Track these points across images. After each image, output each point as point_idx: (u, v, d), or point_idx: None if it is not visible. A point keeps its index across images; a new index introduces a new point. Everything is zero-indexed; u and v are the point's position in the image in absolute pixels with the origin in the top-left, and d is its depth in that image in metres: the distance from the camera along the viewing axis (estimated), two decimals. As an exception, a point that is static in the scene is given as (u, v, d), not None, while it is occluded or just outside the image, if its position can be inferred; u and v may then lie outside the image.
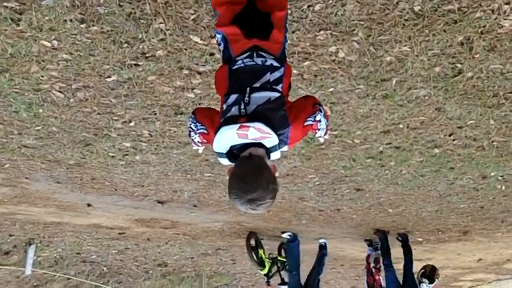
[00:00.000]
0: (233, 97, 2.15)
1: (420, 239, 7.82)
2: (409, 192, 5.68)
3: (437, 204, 6.07)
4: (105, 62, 3.35)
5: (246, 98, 2.11)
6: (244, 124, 2.04)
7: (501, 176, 5.22)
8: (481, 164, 4.91)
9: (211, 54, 3.31)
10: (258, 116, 2.06)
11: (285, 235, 7.19)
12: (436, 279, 7.09)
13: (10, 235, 7.12)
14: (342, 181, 5.35)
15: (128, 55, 3.29)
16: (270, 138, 2.07)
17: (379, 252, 7.50)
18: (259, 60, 2.23)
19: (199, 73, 3.47)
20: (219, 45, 2.42)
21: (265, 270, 7.25)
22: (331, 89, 3.66)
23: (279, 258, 7.61)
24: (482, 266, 10.39)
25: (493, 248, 8.53)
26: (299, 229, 7.23)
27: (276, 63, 2.24)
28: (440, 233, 7.40)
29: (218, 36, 2.40)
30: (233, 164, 2.13)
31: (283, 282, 7.27)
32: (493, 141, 4.46)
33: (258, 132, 2.05)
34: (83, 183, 5.32)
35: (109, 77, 3.50)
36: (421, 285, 6.96)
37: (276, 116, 2.09)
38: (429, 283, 7.01)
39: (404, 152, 4.64)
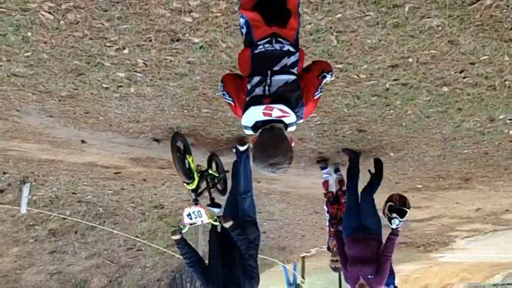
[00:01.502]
0: (256, 79, 2.53)
1: (420, 186, 7.74)
2: (413, 135, 5.52)
3: (441, 148, 5.93)
4: (96, -23, 3.11)
5: (268, 80, 2.50)
6: (270, 105, 2.45)
7: (510, 120, 5.06)
8: (490, 106, 4.73)
9: (211, -30, 3.07)
10: (280, 97, 2.46)
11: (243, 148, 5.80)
12: (408, 210, 5.79)
13: (4, 173, 6.99)
14: (344, 121, 5.18)
15: (120, -31, 3.04)
16: (289, 117, 2.48)
17: (340, 174, 6.66)
18: (277, 46, 2.57)
19: (198, -7, 3.23)
20: (242, 28, 2.70)
21: (194, 185, 5.60)
22: (339, 15, 3.43)
23: (210, 171, 6.06)
24: (480, 216, 10.39)
25: (493, 197, 8.47)
26: (297, 173, 7.12)
27: (292, 49, 2.58)
28: (441, 179, 7.30)
29: (242, 20, 2.68)
30: (256, 134, 2.54)
31: (214, 203, 5.71)
32: (505, 80, 4.26)
33: (280, 112, 2.46)
34: (76, 117, 5.14)
35: (101, -5, 3.26)
36: (392, 221, 5.64)
37: (294, 97, 2.49)
38: (401, 217, 5.70)
39: (411, 90, 4.45)
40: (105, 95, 4.58)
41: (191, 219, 5.30)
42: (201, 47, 3.80)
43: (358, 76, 4.26)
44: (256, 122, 2.52)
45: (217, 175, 6.17)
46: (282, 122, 2.50)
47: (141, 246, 9.99)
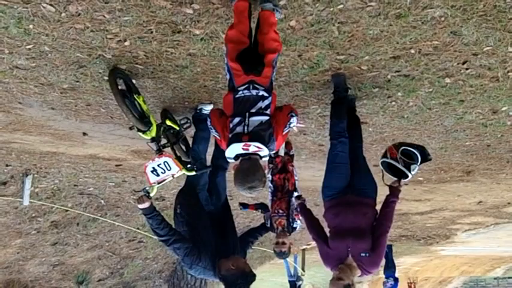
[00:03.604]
0: (237, 119, 3.17)
1: (421, 178, 7.74)
2: (415, 127, 5.51)
3: (443, 140, 5.92)
4: (97, -31, 3.09)
5: (246, 121, 3.14)
6: (248, 143, 3.09)
7: (513, 111, 5.04)
8: (493, 97, 4.72)
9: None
10: (256, 135, 3.10)
11: (208, 108, 4.88)
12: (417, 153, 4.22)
13: (7, 165, 7.00)
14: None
15: (121, -39, 3.03)
16: (263, 151, 3.15)
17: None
18: (254, 92, 3.21)
19: (199, -17, 3.22)
20: (226, 74, 3.36)
21: (153, 132, 4.26)
22: (341, 6, 3.42)
23: (168, 123, 4.79)
24: (481, 209, 10.39)
25: (495, 190, 8.47)
26: (297, 165, 7.10)
27: (265, 94, 3.23)
28: (442, 172, 7.30)
29: (226, 67, 3.34)
30: (237, 163, 3.20)
31: (182, 162, 4.40)
32: (508, 72, 4.25)
33: (256, 148, 3.12)
34: (77, 109, 5.14)
35: (102, -13, 3.25)
36: (412, 168, 4.15)
37: (266, 134, 3.14)
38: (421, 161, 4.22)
39: (413, 81, 4.43)
40: (106, 87, 4.57)
41: (158, 175, 4.13)
42: (202, 38, 3.79)
43: (360, 67, 4.24)
44: (237, 154, 3.17)
45: (176, 127, 4.97)
46: (258, 154, 3.16)
47: (143, 238, 10.02)
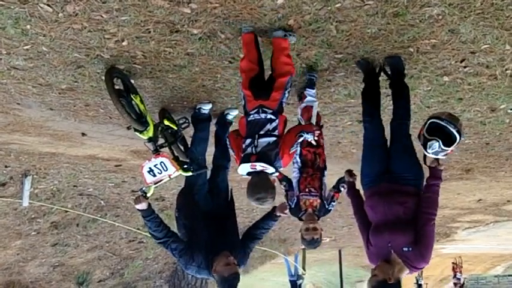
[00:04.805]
0: (248, 140, 3.55)
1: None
2: (413, 125, 5.47)
3: (442, 139, 5.91)
4: (94, -32, 3.09)
5: (256, 142, 3.51)
6: (254, 163, 3.47)
7: (511, 109, 5.04)
8: (491, 95, 4.72)
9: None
10: (263, 156, 3.47)
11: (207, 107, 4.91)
12: (458, 135, 3.54)
13: (6, 166, 7.00)
14: (344, 112, 5.18)
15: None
16: (268, 169, 3.52)
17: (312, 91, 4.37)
18: (263, 115, 3.58)
19: (196, -18, 3.22)
20: (241, 100, 3.78)
21: (150, 132, 4.25)
22: (338, 5, 3.42)
23: (166, 123, 4.80)
24: (481, 207, 10.39)
25: (494, 188, 8.47)
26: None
27: (273, 117, 3.57)
28: (442, 170, 7.28)
29: (242, 94, 3.74)
30: (249, 178, 3.56)
31: (180, 162, 4.37)
32: (506, 69, 4.25)
33: (262, 167, 3.51)
34: (76, 110, 5.14)
35: (99, -14, 3.25)
36: (429, 144, 3.55)
37: (273, 154, 3.49)
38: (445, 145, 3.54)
39: (412, 80, 4.43)
40: (104, 87, 4.55)
41: (154, 175, 4.12)
42: (199, 38, 3.79)
43: (359, 66, 4.24)
44: (248, 172, 3.56)
45: (174, 127, 4.95)
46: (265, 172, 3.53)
47: (143, 238, 10.01)
